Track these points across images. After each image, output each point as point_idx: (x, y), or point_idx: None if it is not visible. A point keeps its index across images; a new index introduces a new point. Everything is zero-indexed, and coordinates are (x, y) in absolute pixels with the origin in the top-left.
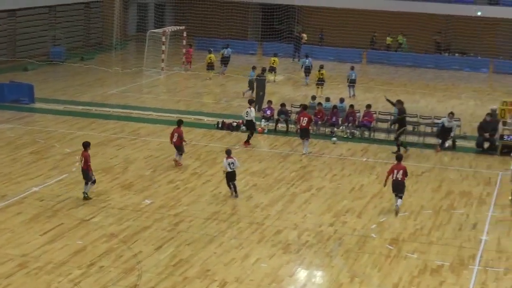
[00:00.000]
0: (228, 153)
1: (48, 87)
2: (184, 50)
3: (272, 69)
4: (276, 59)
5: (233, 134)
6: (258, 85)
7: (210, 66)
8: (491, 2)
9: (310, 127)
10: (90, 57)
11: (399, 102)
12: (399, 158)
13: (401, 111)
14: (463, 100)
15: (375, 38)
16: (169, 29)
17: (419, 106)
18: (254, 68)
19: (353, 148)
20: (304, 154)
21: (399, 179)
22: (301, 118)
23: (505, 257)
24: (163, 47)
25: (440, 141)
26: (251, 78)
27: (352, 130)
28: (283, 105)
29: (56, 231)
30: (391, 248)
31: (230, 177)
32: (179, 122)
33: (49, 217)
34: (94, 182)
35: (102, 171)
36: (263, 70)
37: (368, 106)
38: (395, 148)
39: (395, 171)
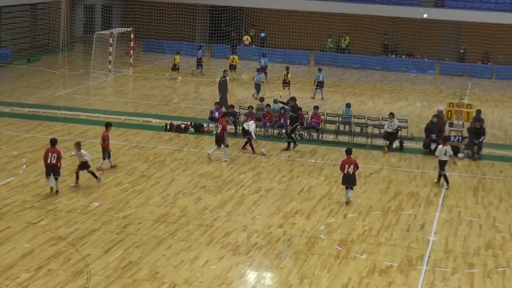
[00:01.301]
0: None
1: None
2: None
3: (233, 68)
4: (235, 57)
5: (182, 136)
6: (220, 87)
7: (174, 67)
8: (437, 4)
9: (224, 134)
10: (36, 59)
11: (292, 100)
12: (348, 152)
13: (295, 109)
14: (410, 101)
15: (340, 42)
16: (116, 30)
17: (367, 107)
18: (258, 70)
19: (301, 150)
20: (224, 160)
21: (351, 173)
22: (218, 125)
23: (452, 257)
24: (110, 49)
25: (387, 142)
26: (257, 81)
27: (301, 132)
28: (231, 106)
29: (3, 235)
30: (340, 249)
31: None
32: (107, 125)
33: None
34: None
35: None
36: (225, 71)
37: (316, 108)
38: (342, 149)
39: (347, 166)
